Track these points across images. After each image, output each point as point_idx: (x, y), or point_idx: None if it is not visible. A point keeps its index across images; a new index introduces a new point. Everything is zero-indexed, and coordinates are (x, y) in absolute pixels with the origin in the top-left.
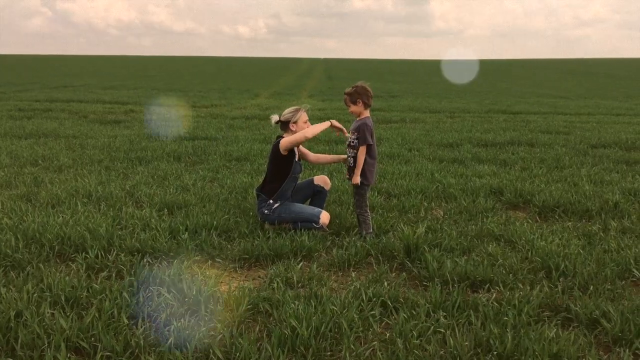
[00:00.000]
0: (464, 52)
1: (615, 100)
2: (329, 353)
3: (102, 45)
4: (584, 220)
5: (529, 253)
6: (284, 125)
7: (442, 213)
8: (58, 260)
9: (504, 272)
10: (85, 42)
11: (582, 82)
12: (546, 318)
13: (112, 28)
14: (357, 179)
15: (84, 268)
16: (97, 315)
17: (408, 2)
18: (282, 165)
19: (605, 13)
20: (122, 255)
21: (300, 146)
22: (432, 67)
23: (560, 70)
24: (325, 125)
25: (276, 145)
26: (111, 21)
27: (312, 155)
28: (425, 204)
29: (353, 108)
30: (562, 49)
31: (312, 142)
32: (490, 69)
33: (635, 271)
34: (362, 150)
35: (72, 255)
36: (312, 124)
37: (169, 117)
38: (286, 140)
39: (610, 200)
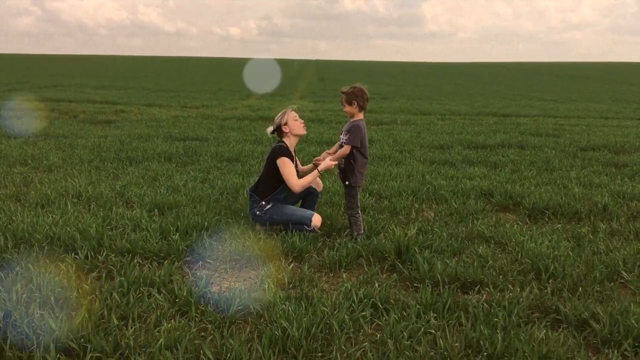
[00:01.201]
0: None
1: (604, 104)
2: (319, 354)
3: (92, 45)
4: (573, 223)
5: (519, 255)
6: (278, 131)
7: (432, 215)
8: (47, 261)
9: (494, 273)
10: (75, 42)
11: (571, 85)
12: (536, 319)
13: (102, 28)
14: (330, 164)
15: (73, 268)
16: (87, 316)
17: (399, 4)
18: (278, 171)
19: (594, 17)
20: (112, 255)
21: (297, 157)
22: (423, 70)
23: (550, 74)
24: (314, 175)
25: (275, 154)
26: (101, 21)
27: (301, 172)
28: (416, 205)
29: (347, 108)
30: (552, 52)
31: (305, 143)
32: (480, 71)
33: (623, 273)
34: (346, 149)
35: (62, 256)
36: (305, 125)
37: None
38: (284, 167)
39: (599, 203)
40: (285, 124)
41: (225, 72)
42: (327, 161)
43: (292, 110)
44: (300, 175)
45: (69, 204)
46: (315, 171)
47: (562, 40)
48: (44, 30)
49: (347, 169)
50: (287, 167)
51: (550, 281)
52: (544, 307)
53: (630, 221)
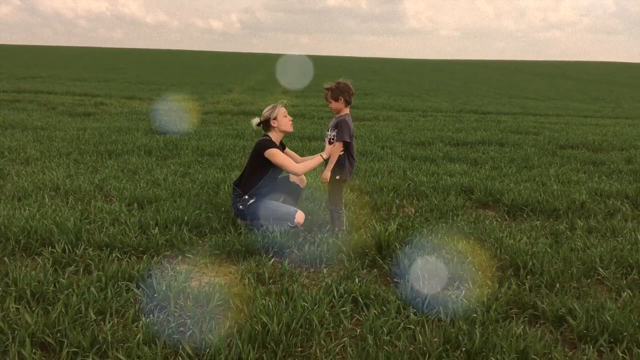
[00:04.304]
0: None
1: (583, 103)
2: (299, 349)
3: (71, 36)
4: (551, 219)
5: (498, 251)
6: (265, 124)
7: (413, 210)
8: (24, 254)
9: (473, 269)
10: (53, 33)
11: (551, 84)
12: (514, 315)
13: (81, 19)
14: (327, 175)
15: (50, 262)
16: (63, 310)
17: (382, 0)
18: (262, 164)
19: (574, 16)
20: (90, 249)
21: (288, 149)
22: (405, 66)
23: (530, 72)
24: (319, 160)
25: (262, 146)
26: (80, 12)
27: (298, 161)
28: (397, 201)
29: (334, 104)
30: (532, 50)
31: (287, 138)
32: (462, 69)
33: (600, 270)
34: (339, 146)
35: (39, 249)
36: (291, 120)
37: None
38: (275, 156)
39: (577, 200)
40: (275, 118)
41: (207, 65)
42: (330, 147)
43: (282, 106)
44: (311, 167)
45: (46, 197)
46: (319, 156)
47: (543, 39)
48: (22, 20)
49: (335, 163)
50: (278, 156)
51: (528, 277)
52: (522, 303)
53: (607, 218)
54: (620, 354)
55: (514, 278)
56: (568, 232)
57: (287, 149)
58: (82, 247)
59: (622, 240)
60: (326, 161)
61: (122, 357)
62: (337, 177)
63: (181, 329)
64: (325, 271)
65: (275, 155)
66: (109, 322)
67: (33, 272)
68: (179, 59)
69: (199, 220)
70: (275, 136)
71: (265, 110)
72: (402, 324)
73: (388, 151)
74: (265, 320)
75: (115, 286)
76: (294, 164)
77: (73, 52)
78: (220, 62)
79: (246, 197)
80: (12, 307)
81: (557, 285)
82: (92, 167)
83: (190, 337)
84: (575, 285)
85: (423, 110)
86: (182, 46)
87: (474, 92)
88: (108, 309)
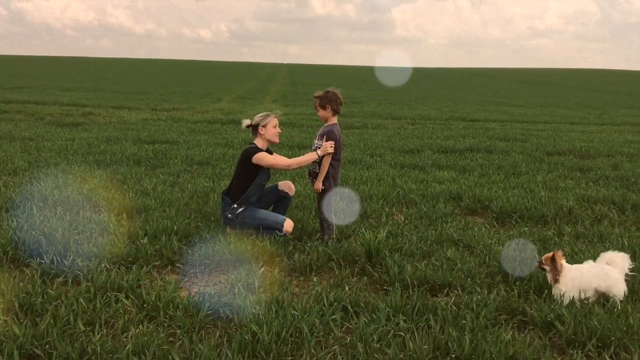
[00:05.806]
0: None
1: (570, 109)
2: (289, 358)
3: (58, 46)
4: (539, 226)
5: (487, 257)
6: (254, 129)
7: (402, 218)
8: (12, 266)
9: (462, 276)
10: (41, 43)
11: (538, 91)
12: (503, 321)
13: (69, 29)
14: (319, 185)
15: (39, 273)
16: (52, 321)
17: (369, 9)
18: (249, 172)
19: (560, 24)
20: (79, 260)
21: (275, 154)
22: (393, 74)
23: (517, 80)
24: (312, 156)
25: (249, 153)
26: (68, 22)
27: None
28: (387, 209)
29: (321, 113)
30: (519, 58)
31: (274, 147)
32: (449, 77)
33: None
34: (327, 157)
35: (27, 260)
36: (279, 132)
37: None
38: (263, 159)
39: (565, 206)
40: (264, 126)
41: (196, 75)
42: (325, 145)
43: (275, 117)
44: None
45: (34, 207)
46: (314, 153)
47: (529, 46)
48: (9, 30)
49: (319, 173)
50: (266, 158)
51: (517, 283)
52: (510, 309)
53: (594, 224)
54: (608, 359)
55: (503, 284)
56: (556, 238)
57: (275, 154)
58: (71, 257)
59: (609, 245)
60: (319, 164)
61: None
62: (322, 188)
63: (171, 339)
64: (315, 279)
65: (263, 158)
66: (98, 333)
67: (21, 284)
68: (167, 69)
69: (189, 229)
70: (260, 143)
71: (258, 115)
72: (392, 332)
73: (377, 159)
74: (255, 329)
75: (104, 297)
76: (286, 159)
77: (61, 62)
78: (209, 71)
79: (235, 205)
80: (0, 319)
81: (546, 291)
82: (81, 177)
83: (180, 347)
84: None
85: (412, 118)
86: (171, 55)
87: (462, 100)
88: (97, 320)
